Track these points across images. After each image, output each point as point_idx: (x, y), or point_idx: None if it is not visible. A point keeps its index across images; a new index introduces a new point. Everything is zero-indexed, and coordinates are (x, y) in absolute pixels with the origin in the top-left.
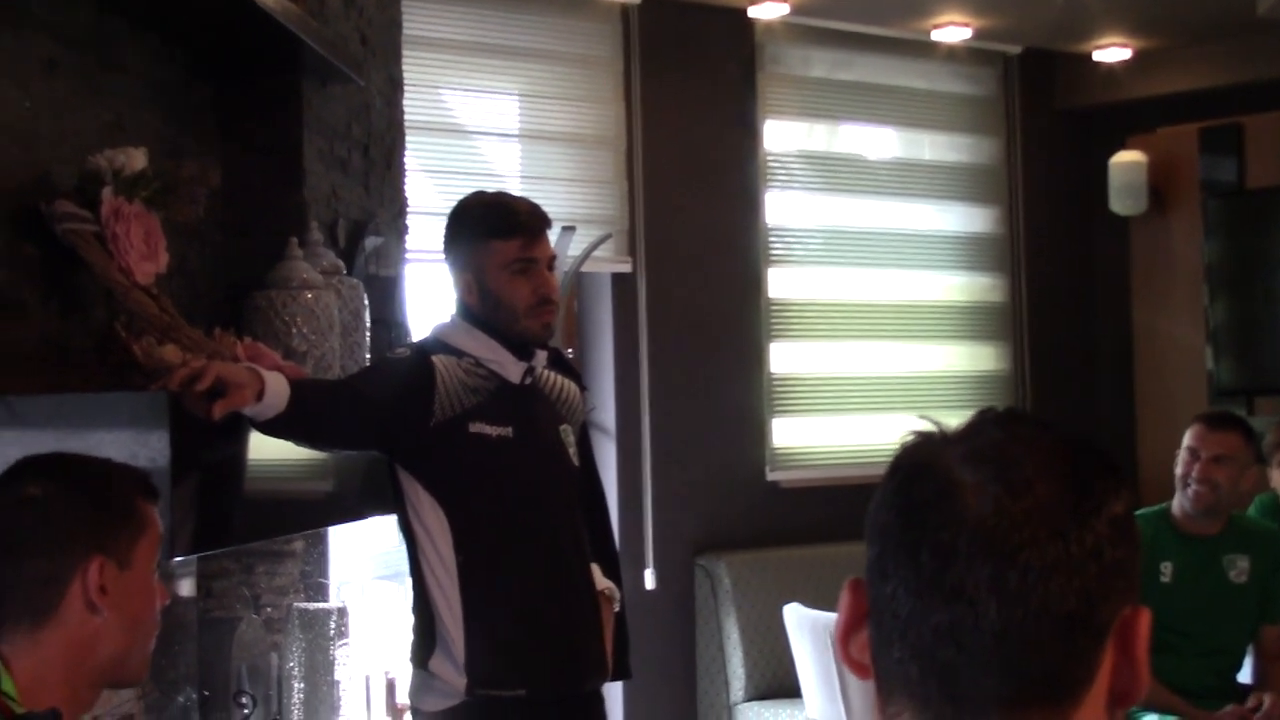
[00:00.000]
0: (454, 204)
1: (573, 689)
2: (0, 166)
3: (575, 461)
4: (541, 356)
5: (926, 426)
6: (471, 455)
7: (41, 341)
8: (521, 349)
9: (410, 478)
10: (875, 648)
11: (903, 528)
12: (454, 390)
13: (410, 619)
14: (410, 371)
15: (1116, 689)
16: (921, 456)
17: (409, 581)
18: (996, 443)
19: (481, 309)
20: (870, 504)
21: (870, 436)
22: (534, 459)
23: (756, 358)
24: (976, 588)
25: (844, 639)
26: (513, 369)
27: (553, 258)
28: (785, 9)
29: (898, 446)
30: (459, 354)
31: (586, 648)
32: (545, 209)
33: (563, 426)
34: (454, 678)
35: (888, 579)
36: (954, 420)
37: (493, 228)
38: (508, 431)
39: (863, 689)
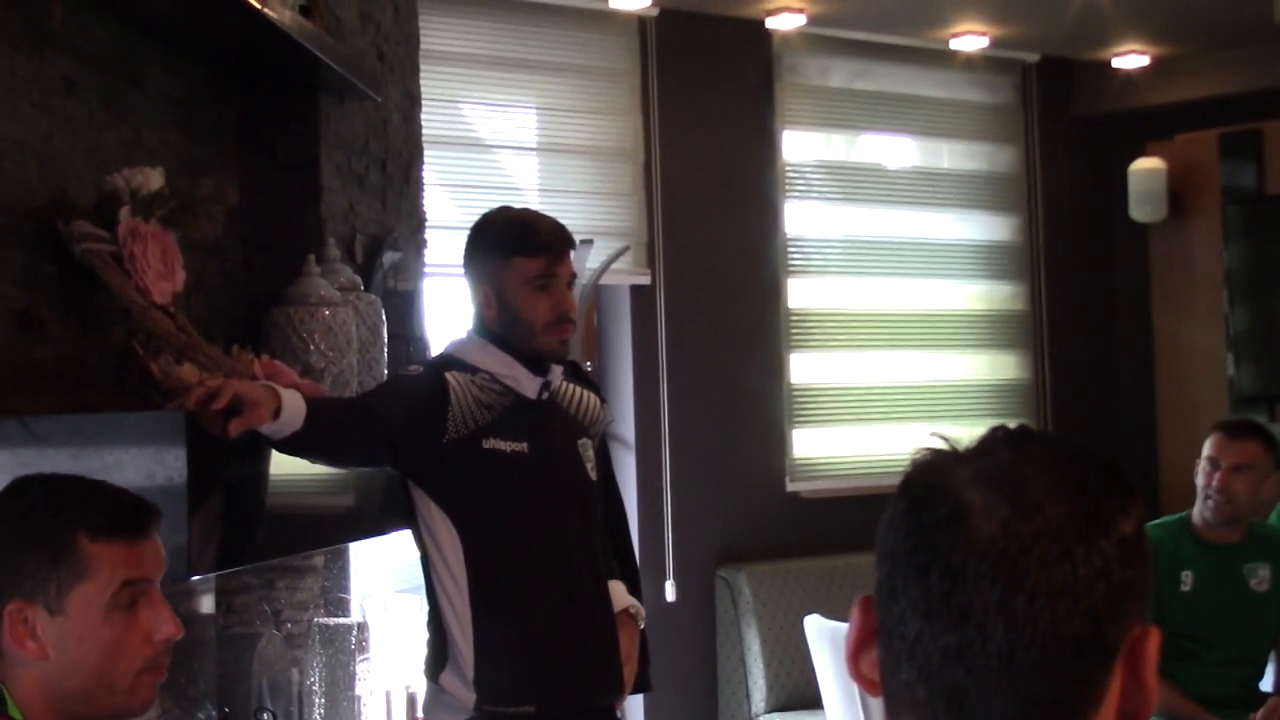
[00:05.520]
0: (473, 218)
1: (582, 706)
2: (19, 186)
3: (593, 475)
4: (558, 371)
5: (938, 444)
6: (485, 471)
7: (59, 360)
8: (537, 364)
9: (422, 494)
10: (884, 667)
11: (912, 549)
12: (467, 407)
13: (424, 632)
14: (423, 389)
15: (1125, 710)
16: (931, 477)
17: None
18: (1006, 463)
19: (499, 323)
20: (880, 523)
21: (890, 446)
22: (549, 474)
23: (776, 368)
24: (985, 610)
25: (854, 656)
26: (528, 384)
27: (573, 276)
28: (802, 19)
29: (908, 464)
30: (473, 370)
31: (598, 665)
32: (564, 222)
33: (581, 440)
34: (463, 693)
35: (897, 599)
36: (974, 430)
37: (517, 244)
38: (522, 447)
39: (882, 702)
